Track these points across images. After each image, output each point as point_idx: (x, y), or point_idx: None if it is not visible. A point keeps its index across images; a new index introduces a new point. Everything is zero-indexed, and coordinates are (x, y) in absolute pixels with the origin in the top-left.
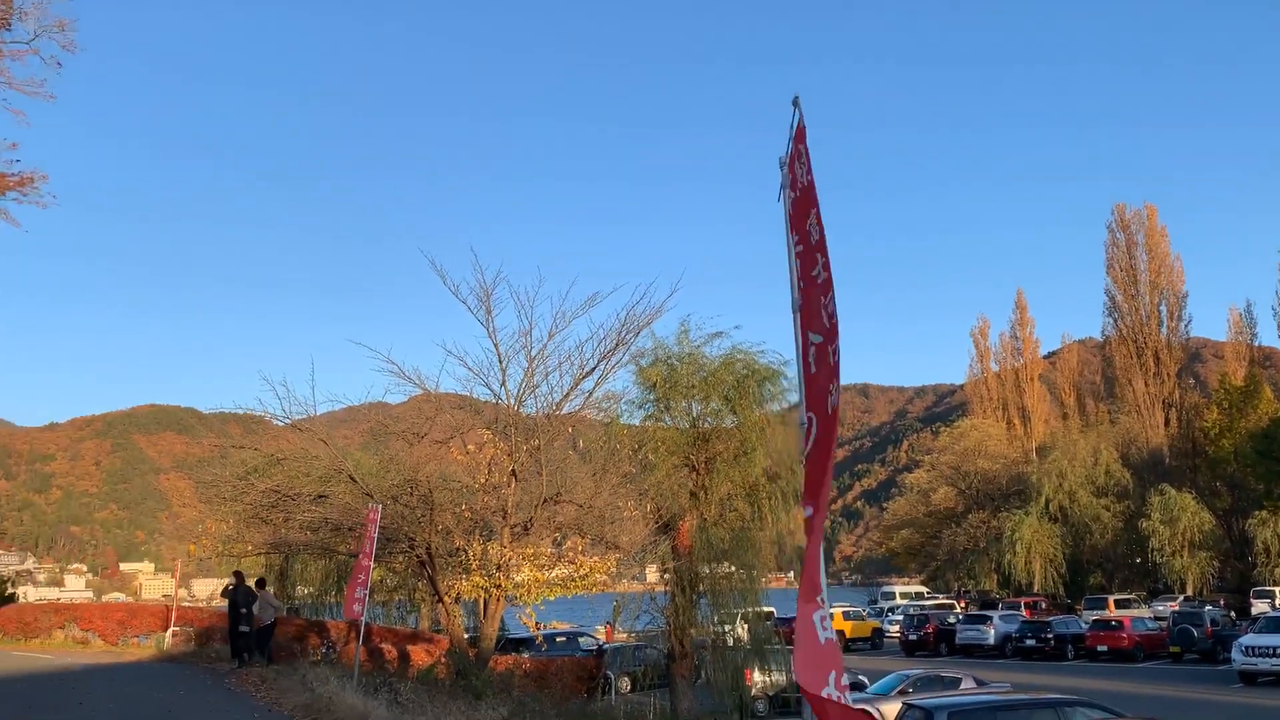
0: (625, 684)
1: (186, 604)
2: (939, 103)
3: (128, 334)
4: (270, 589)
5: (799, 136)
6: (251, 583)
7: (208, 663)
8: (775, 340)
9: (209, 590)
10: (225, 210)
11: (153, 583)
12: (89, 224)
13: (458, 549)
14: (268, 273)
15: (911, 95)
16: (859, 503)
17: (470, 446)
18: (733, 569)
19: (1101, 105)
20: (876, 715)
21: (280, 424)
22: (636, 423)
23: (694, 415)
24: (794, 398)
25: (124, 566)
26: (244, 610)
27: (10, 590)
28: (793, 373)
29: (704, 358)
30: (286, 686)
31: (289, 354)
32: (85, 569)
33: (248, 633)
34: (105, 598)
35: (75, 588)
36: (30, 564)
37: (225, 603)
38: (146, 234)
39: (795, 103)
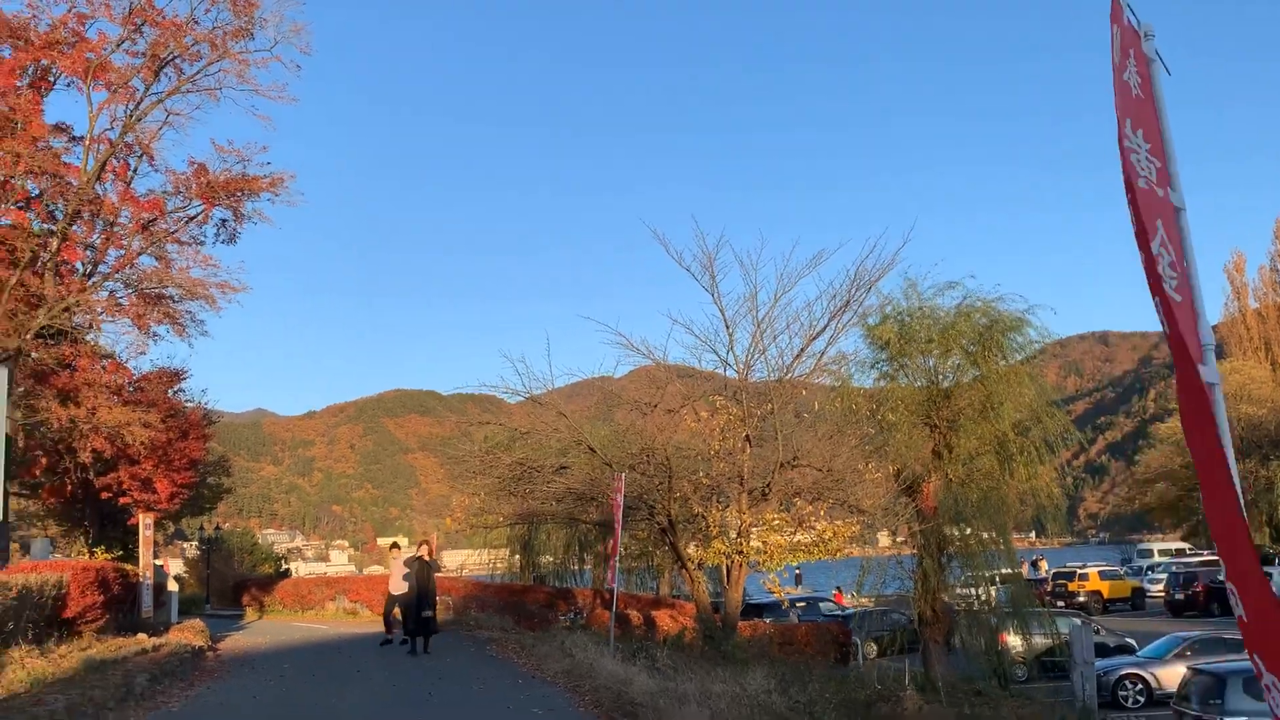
0: (871, 649)
1: (439, 575)
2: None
3: (371, 325)
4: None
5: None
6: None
7: (467, 630)
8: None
9: (458, 561)
10: (453, 198)
11: (407, 554)
12: (329, 221)
13: (696, 515)
14: (482, 259)
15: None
16: (1103, 457)
17: (703, 414)
18: (983, 530)
19: None
20: (1151, 680)
21: (514, 401)
22: (869, 384)
23: (931, 372)
24: (1040, 345)
25: (381, 541)
26: (428, 589)
27: (286, 566)
28: (1039, 320)
29: (938, 311)
30: (546, 653)
31: (520, 335)
32: (347, 544)
33: (430, 617)
34: (365, 570)
35: (339, 562)
36: (299, 541)
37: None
38: (382, 226)
39: None
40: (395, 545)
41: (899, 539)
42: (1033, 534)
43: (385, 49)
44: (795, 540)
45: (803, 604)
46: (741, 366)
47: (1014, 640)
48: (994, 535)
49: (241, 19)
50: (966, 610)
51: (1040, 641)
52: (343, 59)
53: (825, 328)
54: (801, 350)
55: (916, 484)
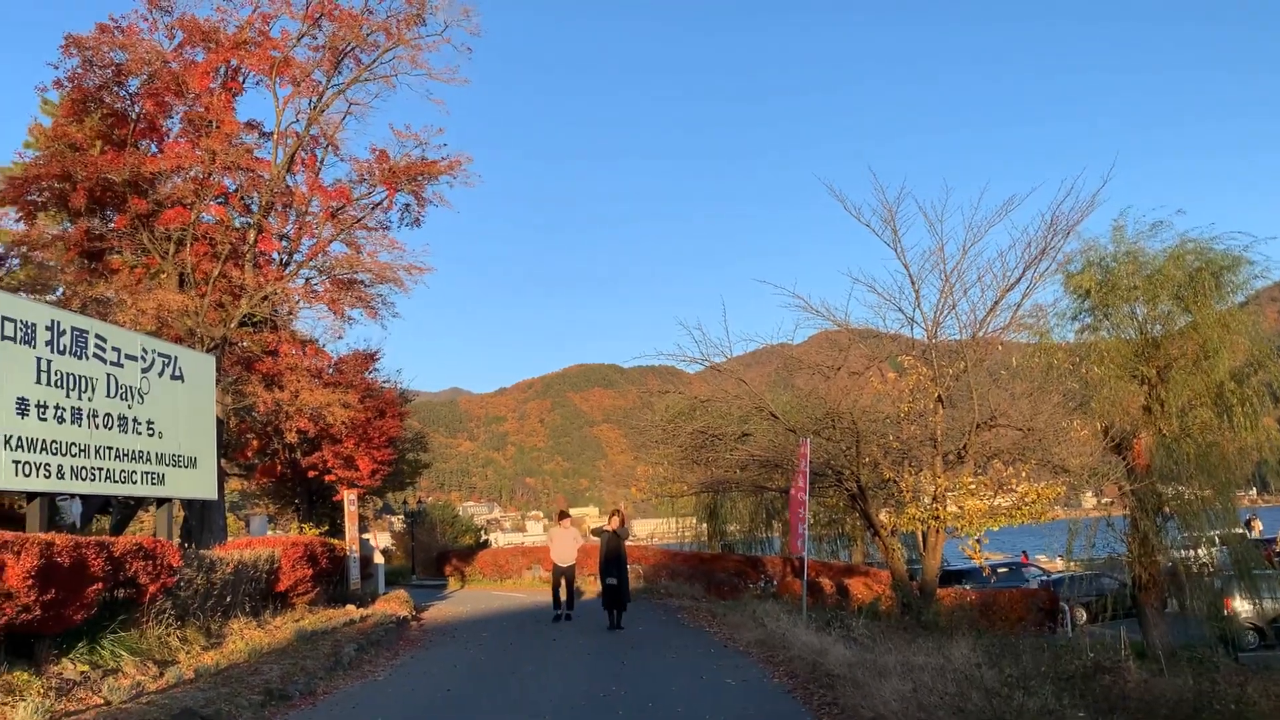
0: (1081, 615)
1: (629, 543)
2: None
3: (551, 303)
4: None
5: None
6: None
7: (658, 599)
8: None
9: (647, 531)
10: (640, 169)
11: (598, 524)
12: (506, 204)
13: (887, 481)
14: (659, 223)
15: None
16: None
17: (890, 375)
18: (1202, 488)
19: None
20: None
21: (692, 370)
22: (1070, 337)
23: (1139, 320)
24: (1260, 284)
25: (573, 511)
26: (618, 561)
27: (485, 537)
28: (1258, 255)
29: (1144, 254)
30: (737, 622)
31: (696, 304)
32: (541, 515)
33: (616, 585)
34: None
35: (535, 532)
36: (498, 512)
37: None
38: (555, 203)
39: None
40: (563, 515)
41: (1104, 500)
42: (1253, 490)
43: (550, 25)
44: (995, 504)
45: (1004, 569)
46: (929, 324)
47: (1240, 605)
48: (1213, 493)
49: (413, 5)
50: (1186, 572)
51: (1271, 606)
52: (511, 42)
53: (1020, 278)
54: (995, 303)
55: (1126, 441)
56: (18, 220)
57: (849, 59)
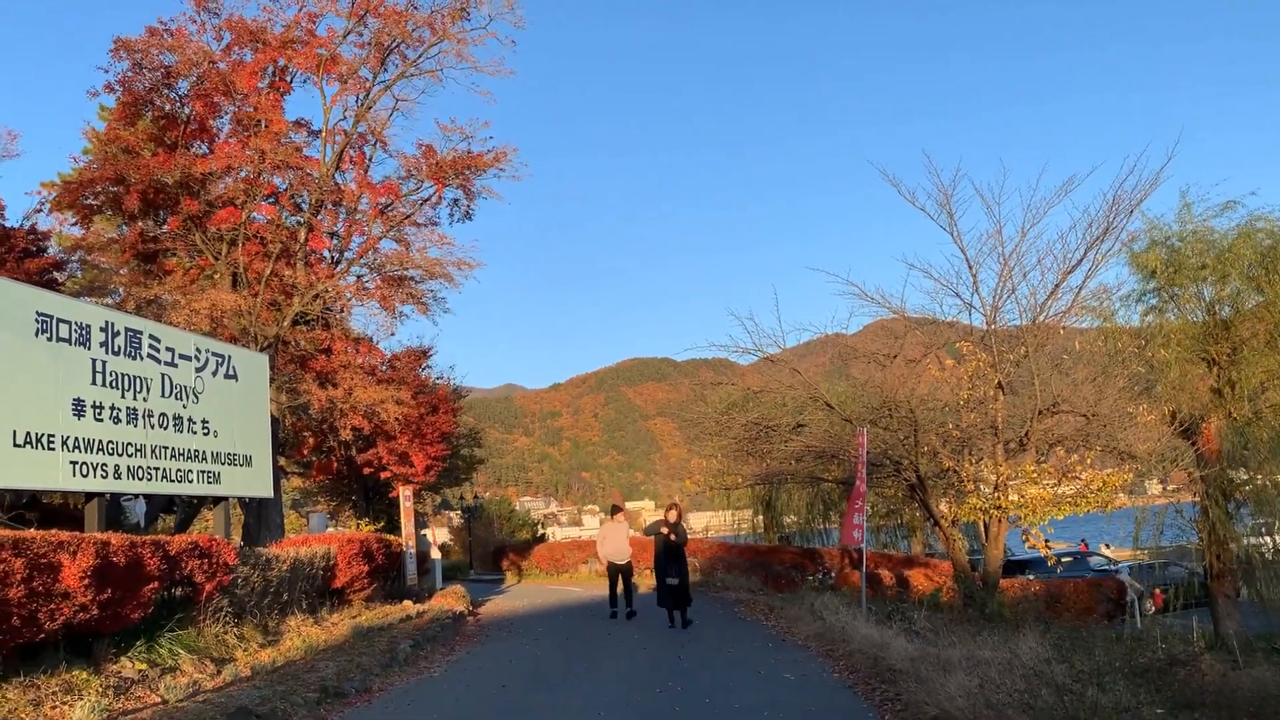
0: (1149, 605)
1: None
2: None
3: (601, 298)
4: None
5: None
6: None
7: (715, 592)
8: None
9: (702, 523)
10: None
11: (654, 517)
12: (550, 205)
13: (947, 470)
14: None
15: None
16: None
17: (948, 362)
18: (1274, 473)
19: None
20: None
21: (745, 362)
22: (1135, 319)
23: (1207, 301)
24: None
25: (628, 505)
26: (676, 557)
27: (541, 531)
28: None
29: (1213, 233)
30: (795, 615)
31: (746, 294)
32: (597, 509)
33: (678, 585)
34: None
35: (591, 526)
36: (554, 507)
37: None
38: (599, 199)
39: None
40: (616, 509)
41: (1171, 487)
42: None
43: (601, 18)
44: (1058, 492)
45: (1069, 558)
46: (988, 309)
47: None
48: None
49: (457, 0)
50: (1261, 561)
51: None
52: (553, 35)
53: (1082, 259)
54: (1056, 286)
55: (1195, 425)
56: (74, 224)
57: (904, 41)
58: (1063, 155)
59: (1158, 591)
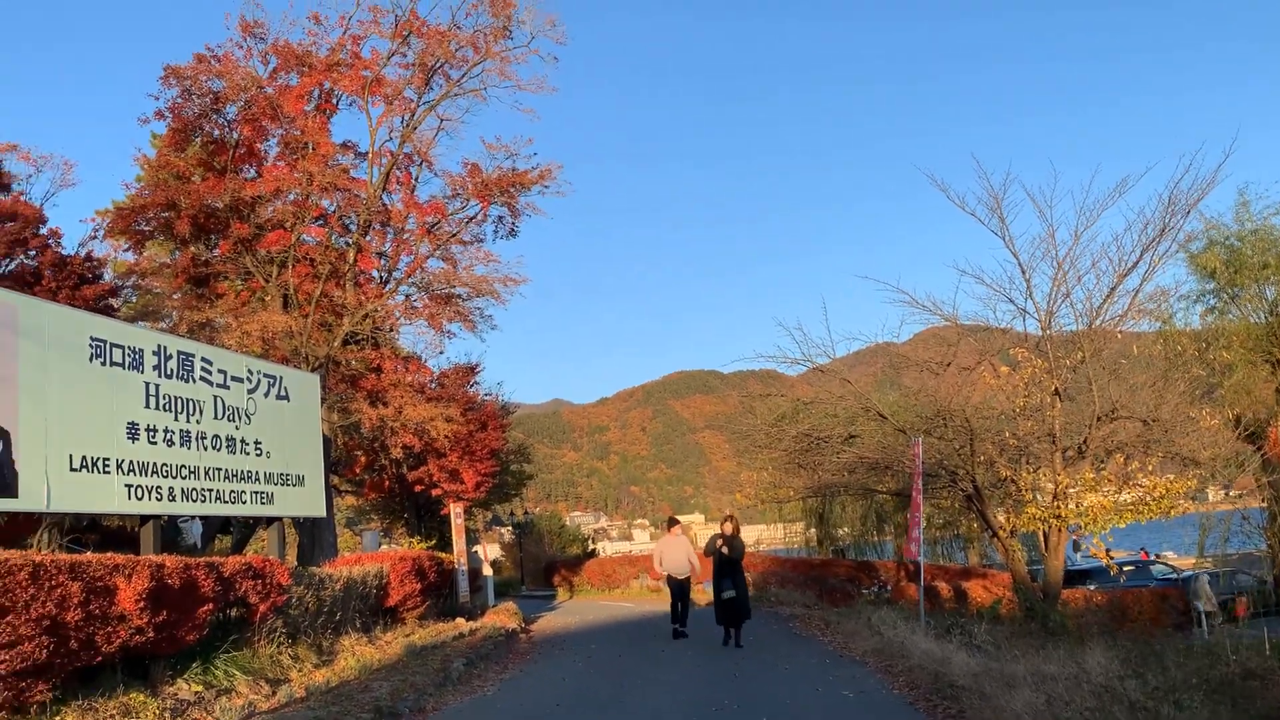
0: (1217, 615)
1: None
2: None
3: (647, 312)
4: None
5: None
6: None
7: (769, 606)
8: None
9: (754, 537)
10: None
11: (705, 531)
12: (597, 217)
13: (1004, 479)
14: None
15: None
16: None
17: (1003, 369)
18: None
19: None
20: None
21: (793, 373)
22: (1195, 321)
23: (1270, 301)
24: None
25: (681, 519)
26: (733, 572)
27: (592, 546)
28: None
29: (1274, 231)
30: (851, 630)
31: (794, 304)
32: (647, 523)
33: (734, 600)
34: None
35: (641, 540)
36: (604, 522)
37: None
38: (646, 210)
39: None
40: (673, 522)
41: (1234, 493)
42: None
43: (645, 31)
44: (1119, 500)
45: (1130, 567)
46: (1043, 314)
47: None
48: None
49: (499, 19)
50: None
51: None
52: (596, 50)
53: (1138, 261)
54: (1112, 289)
55: (1260, 429)
56: (128, 249)
57: (951, 48)
58: (1116, 157)
59: (1241, 599)
